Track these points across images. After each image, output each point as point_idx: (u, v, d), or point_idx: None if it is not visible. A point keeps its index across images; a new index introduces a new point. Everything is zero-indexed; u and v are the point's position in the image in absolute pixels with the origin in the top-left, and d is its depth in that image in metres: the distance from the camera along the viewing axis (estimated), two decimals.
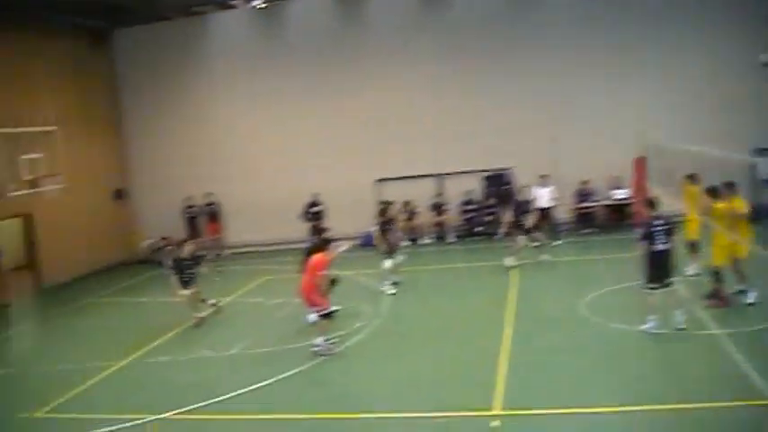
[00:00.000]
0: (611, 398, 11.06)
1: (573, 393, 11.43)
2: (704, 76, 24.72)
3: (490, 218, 26.24)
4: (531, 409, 10.88)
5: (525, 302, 16.92)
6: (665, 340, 13.29)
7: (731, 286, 15.00)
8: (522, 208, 20.72)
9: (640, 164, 21.98)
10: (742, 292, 14.90)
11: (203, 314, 17.62)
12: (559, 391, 11.59)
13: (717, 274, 15.10)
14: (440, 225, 26.68)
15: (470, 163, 26.41)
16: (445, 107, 26.63)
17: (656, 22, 25.26)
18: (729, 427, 9.92)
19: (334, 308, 14.93)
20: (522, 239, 20.32)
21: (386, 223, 19.67)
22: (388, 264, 19.25)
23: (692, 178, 17.01)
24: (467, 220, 26.69)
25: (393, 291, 18.97)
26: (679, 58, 25.04)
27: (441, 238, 26.56)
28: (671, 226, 13.51)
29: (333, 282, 16.76)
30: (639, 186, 21.98)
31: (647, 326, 13.64)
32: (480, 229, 26.13)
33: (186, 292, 17.35)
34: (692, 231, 17.14)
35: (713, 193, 14.98)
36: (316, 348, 14.37)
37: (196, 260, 17.96)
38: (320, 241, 15.68)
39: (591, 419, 10.44)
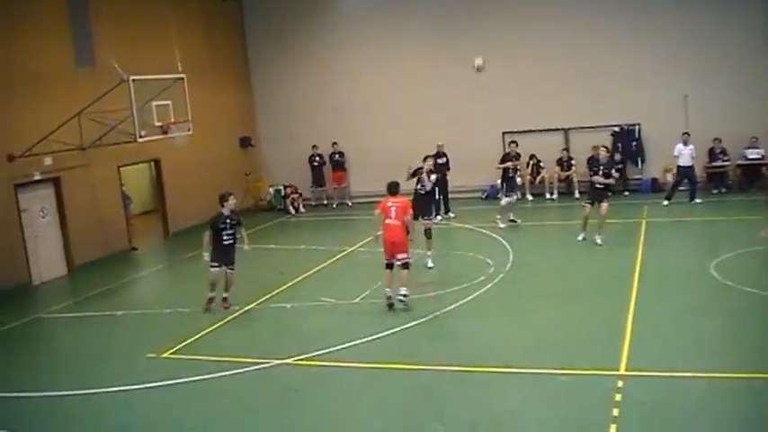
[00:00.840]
0: (735, 364, 10.71)
1: (698, 357, 11.16)
2: None
3: (618, 174, 25.56)
4: (655, 370, 10.66)
5: (653, 262, 16.57)
6: None
7: None
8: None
9: None
10: None
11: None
12: (684, 353, 11.35)
13: None
14: (566, 180, 26.15)
15: (599, 118, 25.72)
16: (575, 61, 25.93)
17: None
18: None
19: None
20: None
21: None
22: (504, 201, 21.19)
23: None
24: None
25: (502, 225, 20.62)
26: None
27: (567, 193, 26.03)
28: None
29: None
30: None
31: None
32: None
33: None
34: None
35: None
36: (403, 299, 14.35)
37: None
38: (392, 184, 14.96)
39: (713, 385, 10.15)
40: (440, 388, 10.91)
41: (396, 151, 26.32)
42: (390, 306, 14.30)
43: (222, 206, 15.24)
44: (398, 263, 14.37)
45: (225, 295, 15.39)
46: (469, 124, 26.90)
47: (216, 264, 15.10)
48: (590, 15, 25.74)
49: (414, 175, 17.71)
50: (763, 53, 24.01)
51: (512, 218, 21.62)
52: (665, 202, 22.56)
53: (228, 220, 15.18)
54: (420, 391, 10.88)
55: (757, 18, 24.16)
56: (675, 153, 22.97)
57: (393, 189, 14.82)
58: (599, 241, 17.99)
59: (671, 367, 10.68)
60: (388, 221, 14.50)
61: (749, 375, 10.24)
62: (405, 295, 14.32)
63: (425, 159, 18.20)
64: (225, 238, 15.11)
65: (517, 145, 22.28)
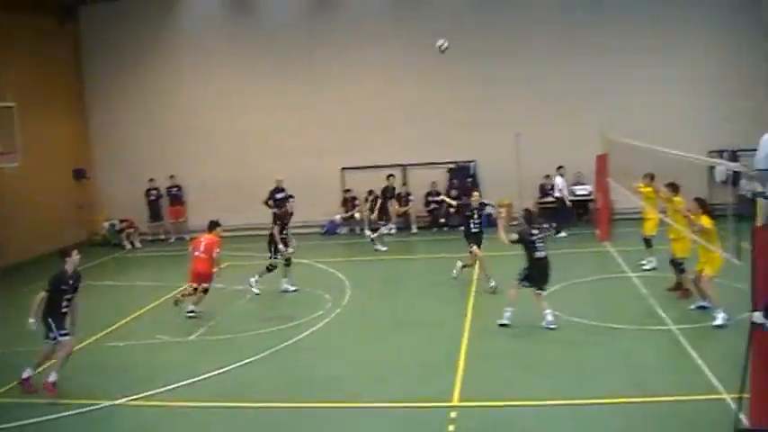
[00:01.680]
0: (565, 391, 11.21)
1: (528, 385, 11.60)
2: (666, 77, 25.19)
3: (453, 210, 26.36)
4: (487, 400, 11.01)
5: (487, 294, 17.06)
6: (620, 334, 13.57)
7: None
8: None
9: (602, 161, 22.27)
10: (703, 307, 14.47)
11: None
12: (518, 382, 11.78)
13: (679, 266, 15.51)
14: (404, 215, 26.71)
15: (436, 155, 26.49)
16: (413, 99, 26.68)
17: (621, 27, 25.59)
18: (680, 419, 10.13)
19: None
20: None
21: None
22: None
23: (649, 177, 17.43)
24: (430, 211, 26.79)
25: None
26: (645, 61, 25.39)
27: (404, 228, 26.58)
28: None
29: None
30: (601, 183, 22.27)
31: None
32: (443, 220, 26.24)
33: None
34: (649, 228, 18.00)
35: (673, 187, 15.55)
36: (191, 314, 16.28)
37: None
38: (211, 222, 17.00)
39: (542, 412, 10.62)
40: (279, 424, 10.87)
41: (237, 184, 26.23)
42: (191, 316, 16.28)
43: (65, 262, 12.49)
44: (200, 288, 16.39)
45: (53, 379, 12.25)
46: (312, 159, 26.99)
47: (67, 332, 12.41)
48: (429, 59, 26.48)
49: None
50: (582, 94, 25.55)
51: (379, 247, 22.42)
52: (561, 234, 23.58)
53: (71, 281, 12.53)
54: (259, 427, 10.82)
55: (578, 65, 25.72)
56: (555, 184, 24.56)
57: (211, 226, 16.83)
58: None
59: (502, 396, 11.06)
60: (196, 254, 16.44)
61: (577, 402, 10.76)
62: (193, 311, 16.39)
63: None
64: (65, 303, 12.44)
65: (394, 178, 23.91)
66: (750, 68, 24.98)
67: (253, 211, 24.77)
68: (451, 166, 26.88)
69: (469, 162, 26.71)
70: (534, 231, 14.49)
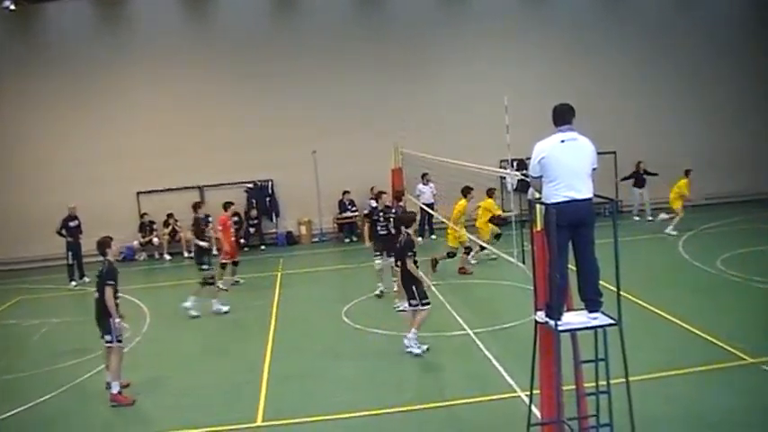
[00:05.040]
0: (372, 401, 11.43)
1: (333, 399, 11.72)
2: (461, 91, 26.32)
3: (253, 230, 26.29)
4: (292, 417, 11.03)
5: (289, 312, 17.16)
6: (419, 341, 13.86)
7: None
8: None
9: (397, 174, 22.91)
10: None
11: None
12: (320, 397, 11.87)
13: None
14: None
15: (233, 175, 26.26)
16: (209, 120, 26.35)
17: (410, 41, 26.51)
18: (478, 420, 10.56)
19: None
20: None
21: None
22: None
23: (464, 191, 18.86)
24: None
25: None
26: (441, 75, 26.41)
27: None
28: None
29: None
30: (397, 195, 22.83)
31: (409, 342, 13.93)
32: (243, 241, 25.99)
33: None
34: (453, 239, 19.26)
35: (464, 191, 18.34)
36: None
37: None
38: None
39: (349, 424, 10.78)
40: None
41: (27, 213, 25.08)
42: None
43: (106, 253, 12.73)
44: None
45: (116, 390, 12.24)
46: (104, 184, 25.98)
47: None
48: (223, 80, 26.39)
49: None
50: (378, 109, 26.20)
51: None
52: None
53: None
54: None
55: (373, 81, 26.39)
56: (417, 192, 24.40)
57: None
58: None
59: (308, 412, 11.12)
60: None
61: (375, 412, 10.98)
62: None
63: None
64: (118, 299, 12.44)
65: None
66: (539, 78, 26.56)
67: (44, 242, 23.74)
68: (249, 185, 26.73)
69: (267, 181, 26.68)
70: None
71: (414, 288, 13.34)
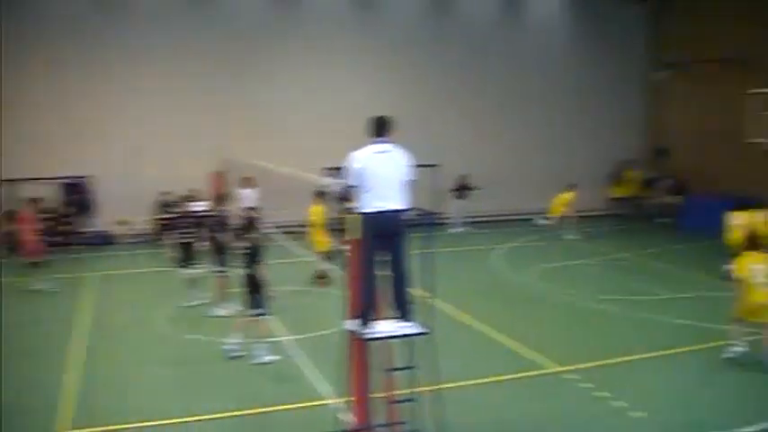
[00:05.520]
0: (186, 408, 11.26)
1: (148, 406, 11.44)
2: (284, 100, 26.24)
3: (68, 227, 25.20)
4: (106, 425, 10.71)
5: (103, 316, 16.56)
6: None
7: None
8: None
9: (218, 177, 22.63)
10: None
11: None
12: (135, 404, 11.56)
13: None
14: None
15: (44, 170, 24.89)
16: (20, 113, 24.74)
17: (238, 47, 26.26)
18: (289, 427, 10.65)
19: None
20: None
21: None
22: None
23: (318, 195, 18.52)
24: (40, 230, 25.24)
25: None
26: (258, 82, 26.26)
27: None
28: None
29: None
30: (218, 199, 22.51)
31: (229, 347, 13.62)
32: (58, 239, 24.71)
33: None
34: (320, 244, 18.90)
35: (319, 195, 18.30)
36: None
37: None
38: None
39: (164, 431, 10.57)
40: None
41: None
42: None
43: None
44: None
45: None
46: None
47: None
48: (29, 70, 25.14)
49: None
50: (203, 111, 25.82)
51: None
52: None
53: None
54: None
55: (198, 83, 25.96)
56: (239, 197, 23.50)
57: None
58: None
59: (120, 419, 10.83)
60: None
61: (197, 418, 10.90)
62: None
63: None
64: None
65: None
66: (366, 88, 26.85)
67: None
68: (66, 181, 25.53)
69: (82, 177, 25.57)
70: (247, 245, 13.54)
71: (258, 296, 13.19)
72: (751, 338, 12.91)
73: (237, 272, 13.63)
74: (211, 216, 17.28)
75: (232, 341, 13.44)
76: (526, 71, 30.07)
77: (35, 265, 18.77)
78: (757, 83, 24.11)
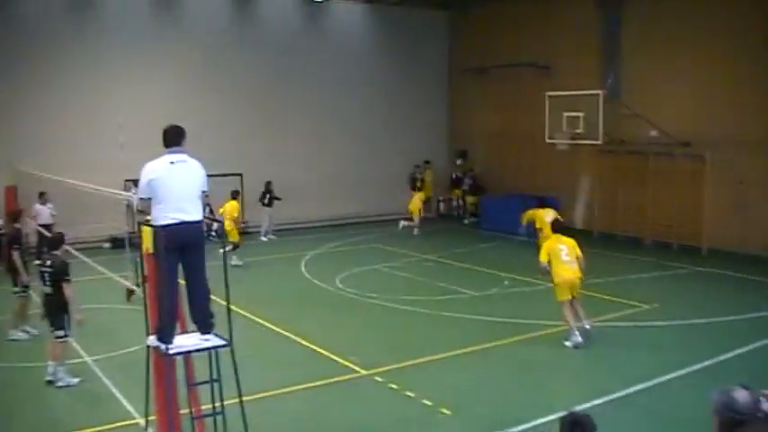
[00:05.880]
0: None
1: None
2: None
3: None
4: None
5: None
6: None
7: None
8: None
9: (10, 192, 21.65)
10: None
11: None
12: None
13: None
14: None
15: None
16: None
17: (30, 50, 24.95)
18: None
19: None
20: None
21: None
22: None
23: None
24: None
25: None
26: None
27: None
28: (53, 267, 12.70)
29: None
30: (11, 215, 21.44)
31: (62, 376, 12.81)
32: None
33: None
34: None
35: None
36: None
37: None
38: None
39: None
40: None
41: None
42: None
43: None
44: None
45: None
46: None
47: None
48: None
49: None
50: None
51: None
52: None
53: None
54: None
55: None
56: (33, 213, 21.80)
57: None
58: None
59: None
60: None
61: None
62: None
63: None
64: None
65: None
66: (165, 97, 26.20)
67: None
68: None
69: None
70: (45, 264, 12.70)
71: (65, 316, 12.53)
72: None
73: (39, 291, 12.86)
74: (5, 234, 16.24)
75: (52, 364, 12.74)
76: (335, 77, 30.29)
77: None
78: (553, 86, 25.55)
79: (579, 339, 13.85)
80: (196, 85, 27.34)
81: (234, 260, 21.09)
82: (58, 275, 12.49)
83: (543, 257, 14.10)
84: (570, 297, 13.97)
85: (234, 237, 21.62)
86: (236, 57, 28.17)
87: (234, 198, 21.95)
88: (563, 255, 13.97)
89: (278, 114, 29.04)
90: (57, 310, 12.57)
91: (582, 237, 17.78)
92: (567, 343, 13.94)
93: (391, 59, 31.59)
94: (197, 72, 27.49)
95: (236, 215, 22.01)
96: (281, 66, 29.05)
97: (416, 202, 27.32)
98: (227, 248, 19.09)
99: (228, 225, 21.18)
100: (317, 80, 29.85)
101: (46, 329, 12.92)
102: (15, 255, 14.98)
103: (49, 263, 12.65)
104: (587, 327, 14.18)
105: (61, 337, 12.60)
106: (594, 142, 23.84)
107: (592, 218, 26.41)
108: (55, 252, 12.84)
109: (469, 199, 30.68)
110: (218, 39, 27.95)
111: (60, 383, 12.56)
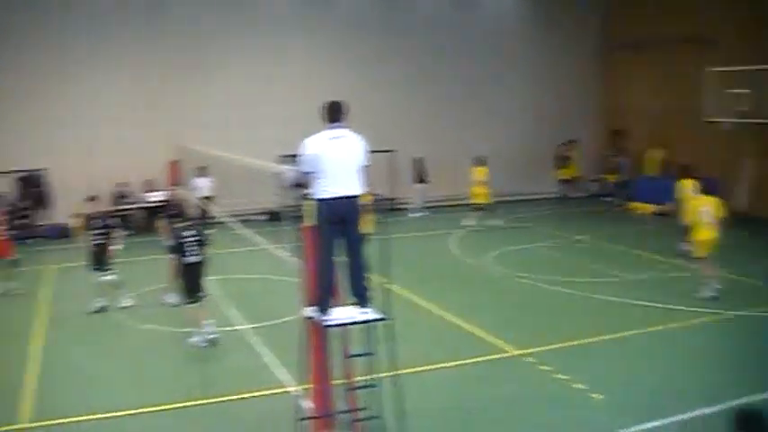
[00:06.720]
0: (142, 399, 11.19)
1: (107, 398, 11.36)
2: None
3: (25, 221, 24.80)
4: (64, 416, 10.59)
5: (60, 309, 16.31)
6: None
7: None
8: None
9: (174, 167, 22.45)
10: None
11: None
12: (94, 396, 11.48)
13: None
14: None
15: (4, 163, 24.60)
16: None
17: (193, 38, 26.08)
18: (249, 415, 10.60)
19: None
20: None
21: None
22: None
23: None
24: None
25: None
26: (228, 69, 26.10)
27: None
28: (202, 237, 13.57)
29: None
30: (174, 188, 22.39)
31: (194, 339, 13.55)
32: (14, 233, 24.26)
33: None
34: None
35: None
36: None
37: None
38: None
39: (122, 422, 10.51)
40: None
41: None
42: None
43: None
44: None
45: None
46: None
47: None
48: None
49: None
50: (158, 100, 25.57)
51: None
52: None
53: None
54: None
55: (159, 69, 25.69)
56: (192, 186, 23.29)
57: None
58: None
59: (78, 411, 10.73)
60: None
61: (154, 408, 10.84)
62: None
63: None
64: None
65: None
66: (320, 76, 26.75)
67: None
68: (22, 174, 25.18)
69: (39, 170, 25.24)
70: (186, 233, 13.37)
71: (199, 282, 13.35)
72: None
73: (187, 259, 13.44)
74: (167, 205, 17.04)
75: (203, 330, 13.39)
76: (481, 54, 30.02)
77: (12, 264, 17.96)
78: (715, 61, 24.24)
79: (716, 288, 15.26)
80: (350, 64, 27.81)
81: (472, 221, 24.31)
82: (202, 244, 13.34)
83: (688, 217, 15.87)
84: (707, 253, 15.30)
85: (481, 199, 24.21)
86: (386, 35, 28.37)
87: (480, 165, 24.65)
88: (705, 215, 15.18)
89: (430, 92, 29.05)
90: (197, 276, 13.40)
91: (745, 223, 17.07)
92: (704, 294, 15.25)
93: (542, 36, 30.98)
94: (350, 51, 27.95)
95: (482, 179, 24.42)
96: (430, 43, 29.01)
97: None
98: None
99: (478, 189, 24.06)
100: (467, 58, 29.62)
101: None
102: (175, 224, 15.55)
103: (195, 233, 13.43)
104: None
105: (197, 301, 13.45)
106: (762, 121, 22.59)
107: (756, 201, 25.05)
108: (200, 222, 13.53)
109: (622, 179, 29.74)
110: (367, 18, 28.35)
111: (200, 343, 13.29)
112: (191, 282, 13.33)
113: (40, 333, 14.63)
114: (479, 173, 24.78)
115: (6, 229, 18.16)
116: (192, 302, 13.40)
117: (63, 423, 10.46)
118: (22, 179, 25.23)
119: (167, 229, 15.81)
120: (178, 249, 13.29)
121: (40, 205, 25.36)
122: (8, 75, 24.53)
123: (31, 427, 10.34)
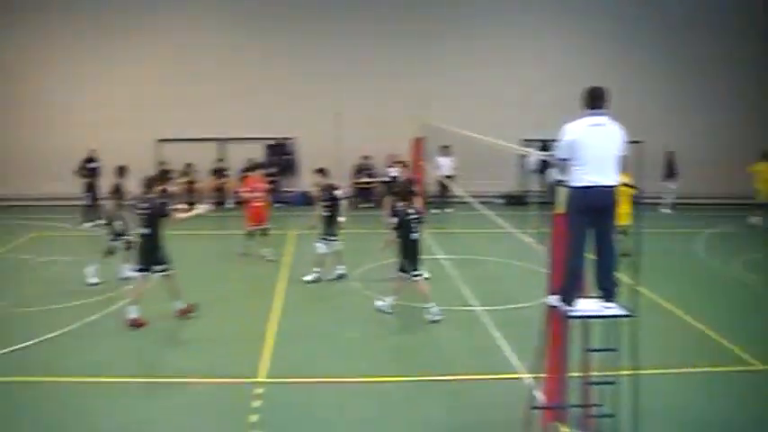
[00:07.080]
0: (373, 368, 11.49)
1: (338, 362, 11.75)
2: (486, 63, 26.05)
3: (272, 186, 26.10)
4: (296, 376, 11.07)
5: (297, 272, 16.95)
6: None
7: None
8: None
9: (418, 144, 22.77)
10: None
11: None
12: (325, 359, 11.89)
13: None
14: (220, 190, 26.20)
15: (254, 130, 26.18)
16: (232, 73, 26.32)
17: (443, 13, 26.30)
18: (480, 396, 10.53)
19: None
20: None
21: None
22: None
23: None
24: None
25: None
26: (466, 47, 26.21)
27: (220, 203, 25.66)
28: (421, 216, 13.84)
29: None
30: (417, 166, 22.72)
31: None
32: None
33: None
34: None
35: None
36: None
37: None
38: None
39: (352, 388, 10.79)
40: (93, 398, 10.45)
41: (45, 153, 25.19)
42: None
43: None
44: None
45: None
46: (123, 130, 25.62)
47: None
48: (245, 32, 26.29)
49: None
50: (403, 76, 26.05)
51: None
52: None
53: None
54: (68, 403, 10.34)
55: (401, 47, 26.21)
56: (436, 164, 24.26)
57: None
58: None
59: (309, 373, 11.15)
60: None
61: (383, 379, 11.06)
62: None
63: None
64: None
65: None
66: (570, 62, 26.35)
67: (56, 180, 24.47)
68: (271, 142, 26.63)
69: (288, 139, 26.57)
70: (410, 211, 13.72)
71: (417, 257, 13.68)
72: None
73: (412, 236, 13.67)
74: (394, 183, 17.29)
75: (427, 305, 13.62)
76: (738, 40, 27.64)
77: (263, 233, 18.58)
78: None
79: None
80: (599, 51, 27.10)
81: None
82: (420, 221, 13.70)
83: None
84: None
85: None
86: (636, 19, 27.25)
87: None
88: None
89: (677, 80, 27.70)
90: (416, 251, 13.71)
91: None
92: None
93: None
94: (601, 39, 27.20)
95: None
96: (680, 26, 27.47)
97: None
98: None
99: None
100: (722, 44, 27.52)
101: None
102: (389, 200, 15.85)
103: (418, 211, 13.80)
104: None
105: (418, 276, 13.75)
106: None
107: None
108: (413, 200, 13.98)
109: None
110: (624, 4, 27.29)
111: (438, 317, 13.48)
112: (411, 258, 13.59)
113: (280, 293, 15.37)
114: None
115: (265, 196, 18.79)
116: (415, 276, 13.66)
117: (292, 382, 10.92)
118: (271, 147, 26.59)
119: (390, 205, 16.08)
120: (399, 227, 13.60)
121: (287, 172, 26.63)
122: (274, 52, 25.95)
123: (267, 383, 10.83)
